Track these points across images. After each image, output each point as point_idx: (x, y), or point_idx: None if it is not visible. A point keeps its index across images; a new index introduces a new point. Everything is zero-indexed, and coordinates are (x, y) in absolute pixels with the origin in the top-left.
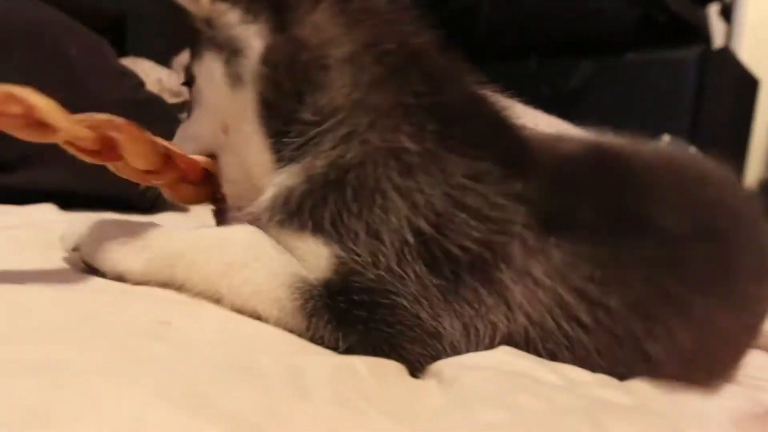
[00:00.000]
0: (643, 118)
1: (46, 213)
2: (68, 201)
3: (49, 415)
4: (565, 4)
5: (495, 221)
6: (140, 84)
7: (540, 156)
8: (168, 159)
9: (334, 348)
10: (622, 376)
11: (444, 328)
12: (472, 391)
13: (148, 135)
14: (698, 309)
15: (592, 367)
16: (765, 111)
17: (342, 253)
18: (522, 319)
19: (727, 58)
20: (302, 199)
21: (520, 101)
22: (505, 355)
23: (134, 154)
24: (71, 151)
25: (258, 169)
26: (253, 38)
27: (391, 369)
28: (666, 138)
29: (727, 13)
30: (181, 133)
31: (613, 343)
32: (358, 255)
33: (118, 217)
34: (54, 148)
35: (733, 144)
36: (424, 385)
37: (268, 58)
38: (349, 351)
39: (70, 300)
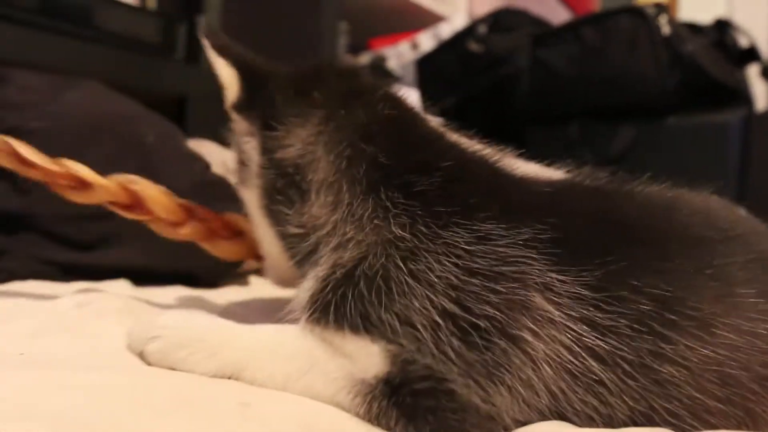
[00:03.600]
0: (688, 181)
1: (120, 288)
2: (141, 277)
3: None
4: (602, 71)
5: (511, 277)
6: (207, 166)
7: (537, 195)
8: (189, 210)
9: None
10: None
11: (496, 406)
12: None
13: (163, 187)
14: (703, 321)
15: (619, 409)
16: None
17: (391, 346)
18: (546, 368)
19: None
20: (324, 301)
21: (563, 167)
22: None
23: (154, 201)
24: (115, 209)
25: (278, 259)
26: (252, 152)
27: None
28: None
29: (767, 74)
30: None
31: (626, 371)
32: (403, 344)
33: (186, 293)
34: (129, 228)
35: None
36: None
37: (260, 174)
38: None
39: (151, 382)
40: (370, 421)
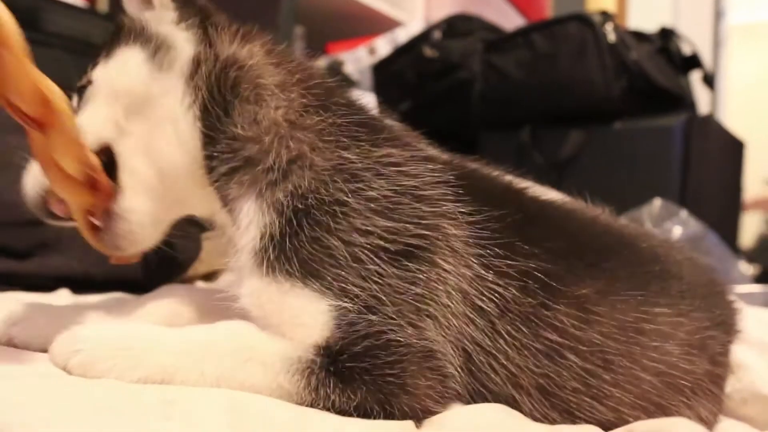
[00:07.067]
0: (634, 183)
1: (61, 299)
2: (81, 285)
3: None
4: (552, 77)
5: (431, 201)
6: None
7: (446, 160)
8: (93, 180)
9: (347, 408)
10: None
11: (430, 340)
12: None
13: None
14: (577, 301)
15: (517, 368)
16: (753, 171)
17: (337, 302)
18: (457, 297)
19: (711, 124)
20: (281, 237)
21: (516, 170)
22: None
23: (63, 149)
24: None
25: (178, 170)
26: (184, 42)
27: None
28: (657, 202)
29: (709, 81)
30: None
31: (515, 322)
32: (349, 295)
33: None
34: (68, 235)
35: (725, 204)
36: None
37: (198, 62)
38: (362, 404)
39: (76, 387)
40: (309, 395)
